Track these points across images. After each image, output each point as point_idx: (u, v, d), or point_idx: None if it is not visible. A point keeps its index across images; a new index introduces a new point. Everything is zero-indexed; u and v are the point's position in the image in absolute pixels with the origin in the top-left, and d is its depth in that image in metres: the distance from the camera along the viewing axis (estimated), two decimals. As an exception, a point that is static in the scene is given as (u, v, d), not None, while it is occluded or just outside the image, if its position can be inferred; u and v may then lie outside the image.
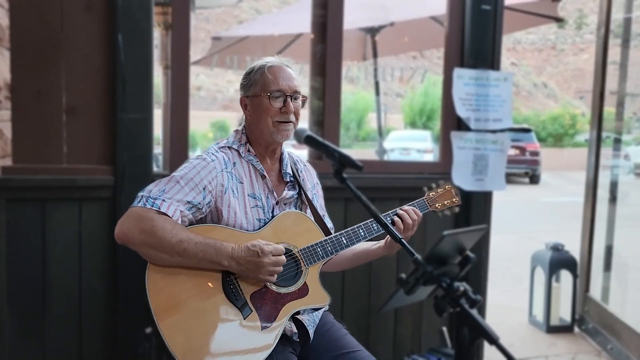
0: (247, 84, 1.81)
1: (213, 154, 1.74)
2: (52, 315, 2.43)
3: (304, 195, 1.87)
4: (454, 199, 1.96)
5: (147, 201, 1.60)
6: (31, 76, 2.37)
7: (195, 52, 5.86)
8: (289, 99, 1.75)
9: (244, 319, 1.64)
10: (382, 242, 1.88)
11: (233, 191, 1.72)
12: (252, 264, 1.61)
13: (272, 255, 1.63)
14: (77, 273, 2.45)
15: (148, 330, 2.41)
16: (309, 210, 1.87)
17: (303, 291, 1.74)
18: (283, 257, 1.66)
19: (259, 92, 1.76)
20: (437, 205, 1.93)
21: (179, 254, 1.59)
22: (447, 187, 1.96)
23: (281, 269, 1.66)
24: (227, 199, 1.70)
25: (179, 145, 2.63)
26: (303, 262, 1.74)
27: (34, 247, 2.38)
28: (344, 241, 1.78)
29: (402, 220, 1.82)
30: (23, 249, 2.37)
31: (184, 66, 2.61)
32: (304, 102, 1.82)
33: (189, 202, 1.64)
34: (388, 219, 1.83)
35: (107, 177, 2.45)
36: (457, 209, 1.98)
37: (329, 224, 1.94)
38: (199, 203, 1.66)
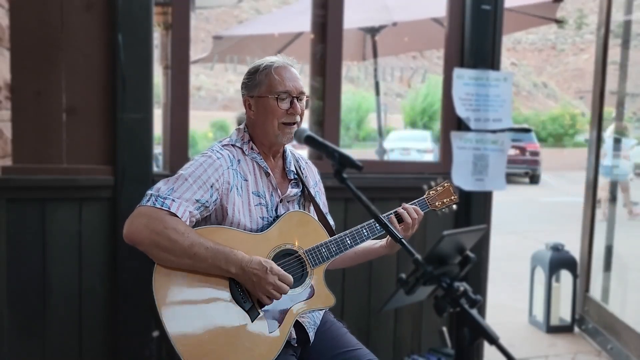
0: (252, 83, 1.77)
1: (218, 151, 1.73)
2: (52, 315, 2.43)
3: (307, 192, 1.87)
4: (452, 197, 1.99)
5: (156, 200, 1.59)
6: (31, 76, 2.37)
7: (196, 52, 5.85)
8: (295, 100, 1.74)
9: (252, 322, 1.64)
10: (383, 241, 1.89)
11: (238, 189, 1.72)
12: (256, 277, 1.61)
13: (278, 280, 1.62)
14: (77, 273, 2.45)
15: (155, 333, 2.40)
16: (312, 208, 1.88)
17: (309, 293, 1.74)
18: (287, 287, 1.64)
19: (265, 93, 1.74)
20: (437, 203, 1.96)
21: (189, 257, 1.58)
22: (445, 184, 1.99)
23: (280, 296, 1.64)
24: (232, 197, 1.70)
25: (179, 145, 2.63)
26: (308, 264, 1.74)
27: (34, 247, 2.38)
28: (348, 242, 1.78)
29: (402, 219, 1.83)
30: (23, 249, 2.37)
31: (184, 66, 2.61)
32: (307, 103, 1.81)
33: (197, 201, 1.63)
34: (387, 218, 1.83)
35: (107, 177, 2.45)
36: (455, 207, 2.01)
37: (331, 221, 1.95)
38: (207, 201, 1.65)
